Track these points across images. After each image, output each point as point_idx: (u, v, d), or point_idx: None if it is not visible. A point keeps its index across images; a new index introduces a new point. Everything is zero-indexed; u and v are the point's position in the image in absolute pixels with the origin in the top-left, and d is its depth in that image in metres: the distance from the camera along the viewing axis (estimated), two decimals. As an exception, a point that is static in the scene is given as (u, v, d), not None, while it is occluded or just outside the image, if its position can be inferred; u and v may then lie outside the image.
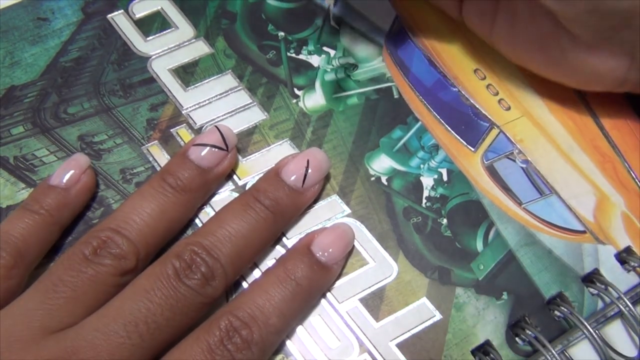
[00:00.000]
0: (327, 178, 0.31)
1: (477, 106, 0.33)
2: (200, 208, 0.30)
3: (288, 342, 0.27)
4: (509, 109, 0.33)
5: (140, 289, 0.25)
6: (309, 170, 0.29)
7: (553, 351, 0.27)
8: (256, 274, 0.28)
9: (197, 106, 0.33)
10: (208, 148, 0.29)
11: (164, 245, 0.27)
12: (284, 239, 0.29)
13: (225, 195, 0.30)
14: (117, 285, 0.25)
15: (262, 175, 0.30)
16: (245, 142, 0.32)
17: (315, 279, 0.26)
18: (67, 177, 0.28)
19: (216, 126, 0.30)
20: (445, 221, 0.30)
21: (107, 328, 0.23)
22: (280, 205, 0.28)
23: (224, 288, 0.26)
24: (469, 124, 0.33)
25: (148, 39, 0.35)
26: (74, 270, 0.25)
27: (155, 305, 0.24)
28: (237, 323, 0.24)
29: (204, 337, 0.24)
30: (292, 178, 0.28)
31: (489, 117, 0.33)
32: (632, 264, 0.30)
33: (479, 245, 0.30)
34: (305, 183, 0.29)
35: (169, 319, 0.24)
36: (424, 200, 0.31)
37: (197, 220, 0.30)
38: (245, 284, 0.28)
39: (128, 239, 0.26)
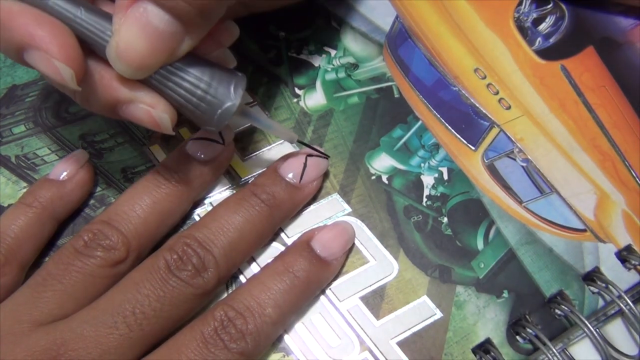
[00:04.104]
0: (326, 176, 0.31)
1: (478, 105, 0.33)
2: (201, 206, 0.30)
3: (288, 340, 0.27)
4: (509, 108, 0.33)
5: (130, 282, 0.25)
6: (307, 167, 0.29)
7: (554, 349, 0.27)
8: (257, 271, 0.28)
9: (198, 105, 0.33)
10: (204, 141, 0.29)
11: (160, 240, 0.28)
12: (285, 237, 0.29)
13: (226, 193, 0.30)
14: (109, 277, 0.25)
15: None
16: (246, 141, 0.32)
17: (313, 272, 0.27)
18: (64, 171, 0.29)
19: None
20: (445, 220, 0.30)
21: (95, 320, 0.24)
22: (277, 199, 0.28)
23: (216, 280, 0.26)
24: (470, 123, 0.33)
25: (149, 38, 0.35)
26: (63, 264, 0.25)
27: (142, 296, 0.24)
28: (232, 313, 0.24)
29: (199, 327, 0.24)
30: (290, 174, 0.29)
31: (489, 116, 0.33)
32: (633, 262, 0.30)
33: (480, 244, 0.30)
34: (303, 179, 0.29)
35: (156, 310, 0.24)
36: (425, 199, 0.31)
37: (197, 218, 0.30)
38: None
39: (118, 230, 0.26)
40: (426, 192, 0.31)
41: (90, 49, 0.23)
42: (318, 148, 0.30)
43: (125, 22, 0.22)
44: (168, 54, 0.23)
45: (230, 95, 0.25)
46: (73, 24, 0.22)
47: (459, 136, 0.32)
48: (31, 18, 0.22)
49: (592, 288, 0.29)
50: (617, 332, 0.29)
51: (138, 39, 0.22)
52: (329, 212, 0.30)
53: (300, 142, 0.29)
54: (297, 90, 0.34)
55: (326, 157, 0.30)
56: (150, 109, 0.24)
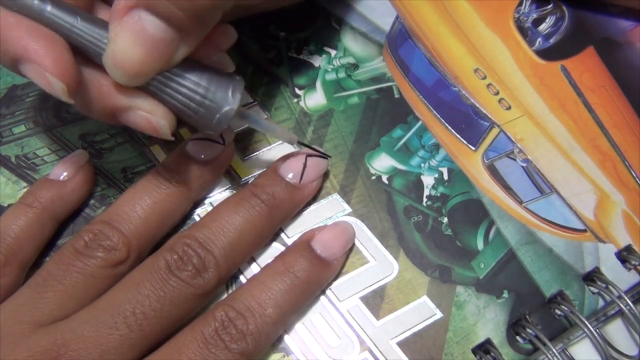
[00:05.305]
0: (326, 176, 0.31)
1: (478, 105, 0.33)
2: (201, 206, 0.30)
3: (288, 340, 0.27)
4: (509, 108, 0.33)
5: (131, 282, 0.25)
6: (307, 167, 0.29)
7: (554, 349, 0.27)
8: (257, 271, 0.28)
9: (198, 105, 0.33)
10: (205, 141, 0.29)
11: (160, 239, 0.28)
12: (285, 237, 0.29)
13: (226, 193, 0.30)
14: (110, 277, 0.25)
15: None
16: (246, 141, 0.32)
17: (314, 272, 0.27)
18: (64, 171, 0.29)
19: None
20: (445, 220, 0.30)
21: (96, 320, 0.24)
22: (277, 199, 0.28)
23: (216, 280, 0.26)
24: (470, 123, 0.33)
25: (149, 38, 0.35)
26: (63, 264, 0.25)
27: (143, 296, 0.24)
28: (233, 314, 0.24)
29: (199, 327, 0.24)
30: (290, 174, 0.29)
31: (490, 116, 0.33)
32: (633, 262, 0.30)
33: (480, 244, 0.30)
34: (303, 179, 0.29)
35: (156, 310, 0.24)
36: (425, 199, 0.31)
37: (197, 218, 0.30)
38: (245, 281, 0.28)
39: (119, 230, 0.26)
40: (426, 192, 0.31)
41: (88, 57, 0.23)
42: (318, 148, 0.30)
43: (120, 30, 0.22)
44: (164, 61, 0.23)
45: (229, 99, 0.25)
46: (70, 33, 0.23)
47: (459, 136, 0.32)
48: (26, 31, 0.22)
49: (592, 288, 0.29)
50: (617, 332, 0.29)
51: (134, 46, 0.22)
52: (329, 212, 0.30)
53: (301, 144, 0.29)
54: (297, 91, 0.34)
55: (327, 157, 0.30)
56: (148, 116, 0.24)
